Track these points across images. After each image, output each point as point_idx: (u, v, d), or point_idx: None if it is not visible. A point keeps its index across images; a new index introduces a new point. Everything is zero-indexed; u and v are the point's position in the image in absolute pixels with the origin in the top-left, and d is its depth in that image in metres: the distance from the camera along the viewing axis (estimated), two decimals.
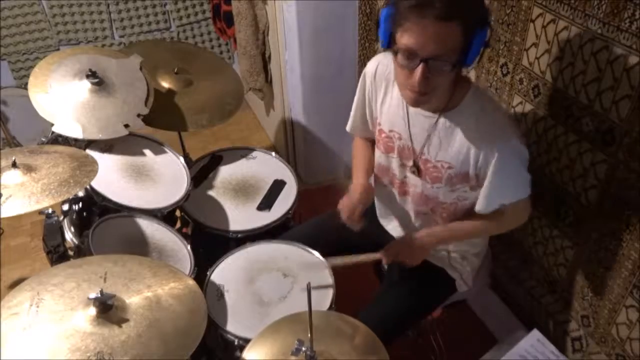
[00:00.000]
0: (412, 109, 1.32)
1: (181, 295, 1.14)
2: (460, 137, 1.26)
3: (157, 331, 1.04)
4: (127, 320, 1.05)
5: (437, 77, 1.12)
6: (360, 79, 1.45)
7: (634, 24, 1.14)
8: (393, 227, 1.60)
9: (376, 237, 1.62)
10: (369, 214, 1.65)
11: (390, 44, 1.15)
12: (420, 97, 1.18)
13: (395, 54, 1.14)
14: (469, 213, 1.39)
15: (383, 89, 1.39)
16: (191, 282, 1.21)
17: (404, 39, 1.10)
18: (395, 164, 1.44)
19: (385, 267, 1.62)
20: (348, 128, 1.58)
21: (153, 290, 1.13)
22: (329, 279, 1.46)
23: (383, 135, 1.43)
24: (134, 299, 1.10)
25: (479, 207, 1.32)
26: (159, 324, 1.06)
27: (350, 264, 1.45)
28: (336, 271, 1.48)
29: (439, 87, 1.17)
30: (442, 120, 1.28)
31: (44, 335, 1.01)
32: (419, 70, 1.10)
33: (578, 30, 1.28)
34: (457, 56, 1.09)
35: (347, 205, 1.42)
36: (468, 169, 1.28)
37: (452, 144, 1.28)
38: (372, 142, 1.61)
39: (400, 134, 1.37)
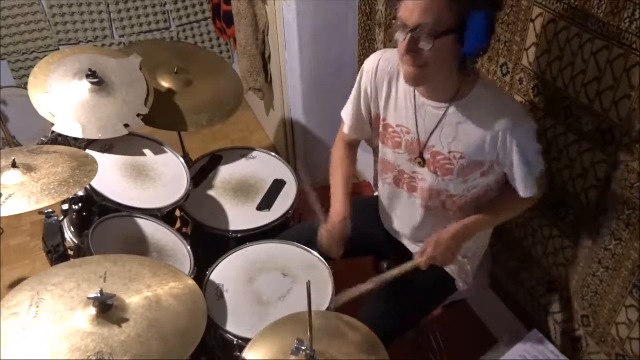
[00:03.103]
0: (419, 101, 1.32)
1: (181, 295, 1.14)
2: (473, 126, 1.27)
3: (157, 331, 1.04)
4: (127, 320, 1.05)
5: (425, 49, 1.15)
6: (359, 75, 1.45)
7: (634, 24, 1.14)
8: (396, 227, 1.59)
9: (376, 238, 1.62)
10: (369, 213, 1.65)
11: None
12: (415, 71, 1.20)
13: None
14: (479, 200, 1.39)
15: (387, 84, 1.38)
16: (191, 282, 1.21)
17: (399, 12, 1.17)
18: (403, 160, 1.43)
19: (385, 266, 1.62)
20: (346, 129, 1.55)
21: (153, 290, 1.13)
22: (329, 279, 1.45)
23: (390, 130, 1.42)
24: (134, 299, 1.10)
25: (524, 194, 1.32)
26: (159, 324, 1.06)
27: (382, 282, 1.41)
28: (336, 271, 1.48)
29: (432, 62, 1.18)
30: (451, 110, 1.28)
31: (44, 335, 1.01)
32: (406, 39, 1.16)
33: (578, 30, 1.28)
34: (442, 30, 1.12)
35: (326, 237, 1.43)
36: (481, 158, 1.29)
37: (464, 134, 1.28)
38: (355, 147, 1.60)
39: (409, 128, 1.37)
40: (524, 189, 1.31)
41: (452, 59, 1.20)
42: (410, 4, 1.13)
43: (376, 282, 1.39)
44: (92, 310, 1.05)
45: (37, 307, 1.06)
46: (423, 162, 1.38)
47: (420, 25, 1.13)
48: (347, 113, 1.54)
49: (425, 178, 1.40)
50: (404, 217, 1.54)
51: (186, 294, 1.16)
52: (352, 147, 1.60)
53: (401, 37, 1.18)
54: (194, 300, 1.15)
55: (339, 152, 1.60)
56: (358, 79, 1.45)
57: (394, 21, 1.20)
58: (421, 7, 1.12)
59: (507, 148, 1.25)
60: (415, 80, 1.25)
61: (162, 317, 1.07)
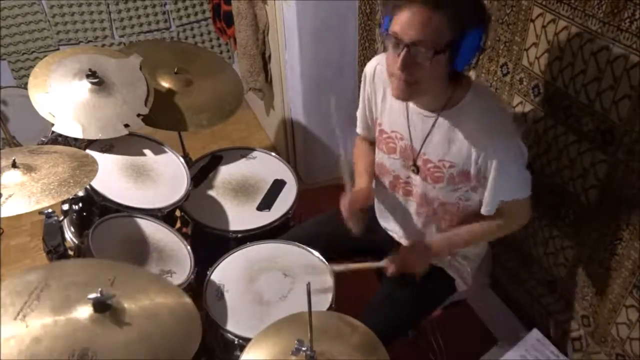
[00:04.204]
0: (411, 109, 1.32)
1: (180, 316, 1.12)
2: (462, 136, 1.26)
3: (147, 343, 1.03)
4: (122, 324, 1.04)
5: (419, 66, 1.13)
6: (362, 79, 1.46)
7: (634, 24, 1.14)
8: (393, 228, 1.60)
9: (375, 238, 1.62)
10: (368, 214, 1.65)
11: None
12: (405, 87, 1.18)
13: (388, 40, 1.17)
14: (472, 216, 1.39)
15: (382, 90, 1.39)
16: (191, 305, 1.17)
17: (393, 25, 1.14)
18: (398, 165, 1.44)
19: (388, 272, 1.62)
20: (358, 129, 1.59)
21: (154, 304, 1.12)
22: (329, 279, 1.45)
23: (385, 135, 1.43)
24: (132, 306, 1.09)
25: (485, 210, 1.32)
26: (150, 338, 1.04)
27: (353, 270, 1.45)
28: (336, 271, 1.48)
29: (424, 79, 1.17)
30: (441, 119, 1.28)
31: (37, 322, 1.01)
32: (401, 55, 1.13)
33: (578, 30, 1.28)
34: (440, 47, 1.11)
35: (346, 205, 1.43)
36: (470, 168, 1.28)
37: (453, 143, 1.28)
38: (374, 144, 1.61)
39: (402, 134, 1.38)
40: (487, 202, 1.30)
41: (444, 74, 1.18)
42: (407, 18, 1.10)
43: (342, 269, 1.44)
44: (90, 308, 1.04)
45: (41, 290, 1.06)
46: (417, 170, 1.38)
47: (418, 41, 1.11)
48: (358, 113, 1.56)
49: (418, 184, 1.40)
50: (400, 220, 1.55)
51: (185, 315, 1.13)
52: (371, 143, 1.61)
53: (393, 52, 1.16)
54: (191, 323, 1.13)
55: (359, 147, 1.62)
56: (362, 82, 1.47)
57: (385, 34, 1.17)
58: (420, 22, 1.09)
59: (487, 163, 1.24)
60: (405, 96, 1.23)
61: (155, 331, 1.06)
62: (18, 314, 1.00)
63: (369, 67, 1.42)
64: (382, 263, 1.42)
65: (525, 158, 1.25)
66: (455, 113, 1.26)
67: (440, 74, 1.17)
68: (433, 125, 1.29)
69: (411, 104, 1.32)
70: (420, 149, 1.34)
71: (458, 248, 1.47)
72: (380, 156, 1.49)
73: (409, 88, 1.19)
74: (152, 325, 1.07)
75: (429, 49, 1.11)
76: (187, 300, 1.18)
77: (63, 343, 0.98)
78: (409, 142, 1.37)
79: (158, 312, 1.11)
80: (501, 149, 1.21)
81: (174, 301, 1.15)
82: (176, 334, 1.09)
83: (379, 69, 1.39)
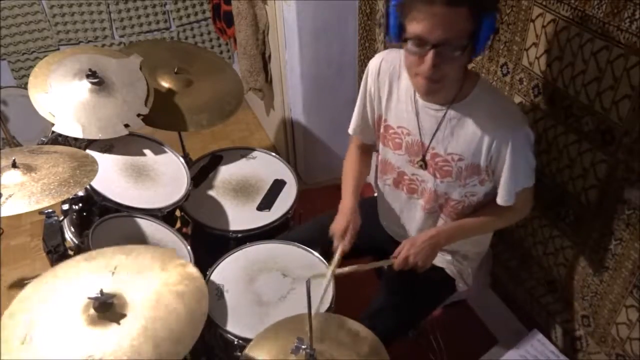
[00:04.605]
0: (420, 103, 1.32)
1: (184, 294, 1.12)
2: (472, 128, 1.26)
3: (151, 335, 1.02)
4: (124, 316, 1.04)
5: (447, 63, 1.13)
6: (364, 75, 1.45)
7: (634, 24, 1.14)
8: (394, 227, 1.60)
9: (375, 237, 1.62)
10: (369, 214, 1.65)
11: (400, 35, 1.16)
12: (432, 85, 1.19)
13: (405, 42, 1.15)
14: (476, 210, 1.39)
15: (387, 86, 1.38)
16: (197, 276, 1.18)
17: (414, 27, 1.11)
18: (403, 161, 1.43)
19: (385, 266, 1.61)
20: (350, 130, 1.57)
21: (157, 288, 1.12)
22: (329, 279, 1.45)
23: (391, 131, 1.42)
24: (135, 297, 1.09)
25: (503, 200, 1.31)
26: (154, 327, 1.04)
27: (357, 272, 1.42)
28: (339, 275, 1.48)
29: (450, 74, 1.17)
30: (451, 112, 1.28)
31: (43, 332, 1.01)
32: (429, 56, 1.12)
33: (578, 30, 1.28)
34: (466, 40, 1.10)
35: (338, 229, 1.43)
36: (479, 161, 1.28)
37: (463, 135, 1.28)
38: (368, 152, 1.61)
39: (409, 129, 1.37)
40: (501, 195, 1.31)
41: (466, 63, 1.19)
42: (429, 19, 1.08)
43: (349, 270, 1.39)
44: (92, 310, 1.04)
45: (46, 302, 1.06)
46: (425, 165, 1.38)
47: (444, 40, 1.09)
48: (353, 122, 1.54)
49: (426, 180, 1.40)
50: (403, 218, 1.54)
51: (191, 291, 1.13)
52: (363, 150, 1.60)
53: (415, 52, 1.14)
54: (197, 300, 1.13)
55: (350, 156, 1.61)
56: (363, 78, 1.45)
57: (404, 36, 1.15)
58: (444, 21, 1.07)
59: (501, 151, 1.24)
60: (433, 94, 1.24)
61: (160, 317, 1.06)
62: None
63: (374, 63, 1.41)
64: (386, 261, 1.40)
65: (533, 144, 1.26)
66: (465, 106, 1.27)
67: (463, 64, 1.19)
68: (442, 119, 1.29)
69: (419, 99, 1.32)
70: (430, 143, 1.34)
71: (458, 240, 1.45)
72: (385, 152, 1.48)
73: (436, 85, 1.19)
74: (156, 311, 1.07)
75: (457, 47, 1.10)
76: (192, 272, 1.18)
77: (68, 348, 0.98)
78: (417, 137, 1.36)
79: (161, 295, 1.10)
80: (514, 138, 1.22)
81: (176, 279, 1.15)
82: (180, 315, 1.08)
83: (384, 65, 1.38)
